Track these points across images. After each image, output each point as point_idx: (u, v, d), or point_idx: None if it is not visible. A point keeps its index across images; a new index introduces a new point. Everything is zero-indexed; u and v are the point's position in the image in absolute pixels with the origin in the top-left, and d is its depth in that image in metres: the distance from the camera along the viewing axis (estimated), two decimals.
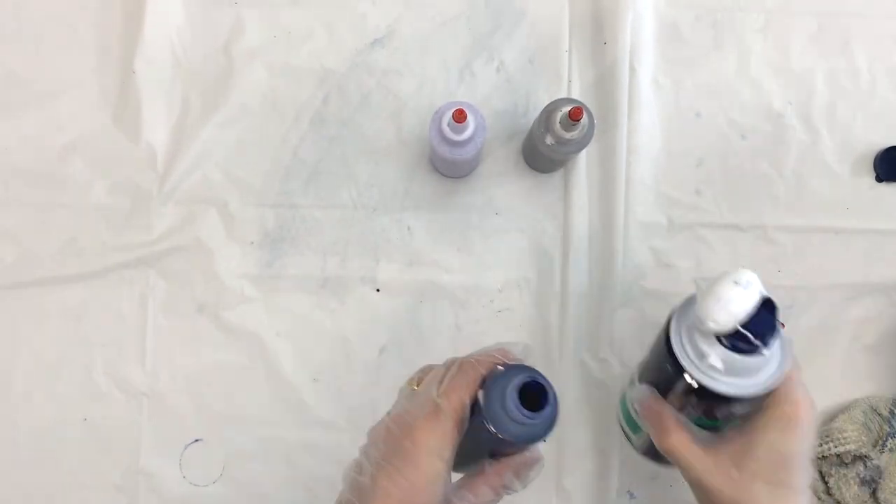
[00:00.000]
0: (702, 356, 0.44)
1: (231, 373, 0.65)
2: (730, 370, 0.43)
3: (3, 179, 0.66)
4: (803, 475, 0.44)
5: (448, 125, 0.56)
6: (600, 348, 0.65)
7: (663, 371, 0.47)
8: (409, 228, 0.66)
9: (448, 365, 0.44)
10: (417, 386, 0.45)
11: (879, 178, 0.67)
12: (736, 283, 0.41)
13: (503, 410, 0.40)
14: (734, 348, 0.42)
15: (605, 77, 0.66)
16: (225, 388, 0.65)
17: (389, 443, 0.42)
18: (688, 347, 0.45)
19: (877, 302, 0.66)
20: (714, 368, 0.43)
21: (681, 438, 0.47)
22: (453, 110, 0.55)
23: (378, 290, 0.66)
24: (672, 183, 0.66)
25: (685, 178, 0.67)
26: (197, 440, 0.64)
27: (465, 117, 0.55)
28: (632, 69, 0.66)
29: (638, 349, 0.65)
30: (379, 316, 0.66)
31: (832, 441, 0.61)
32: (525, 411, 0.40)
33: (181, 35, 0.67)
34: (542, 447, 0.44)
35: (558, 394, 0.41)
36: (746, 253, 0.66)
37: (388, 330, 0.65)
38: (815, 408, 0.45)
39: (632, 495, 0.64)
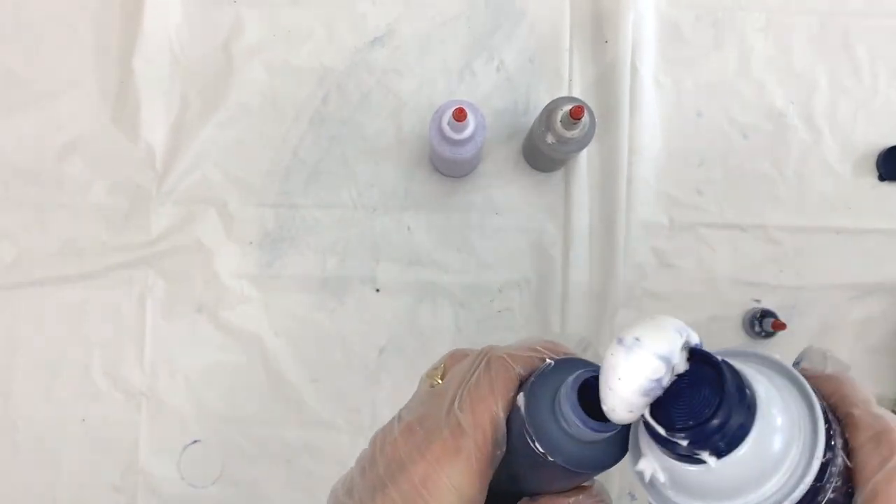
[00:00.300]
0: (636, 460, 0.28)
1: (230, 373, 0.65)
2: (678, 485, 0.26)
3: (3, 179, 0.66)
4: None
5: (448, 124, 0.56)
6: (601, 349, 0.64)
7: None
8: (409, 228, 0.66)
9: (480, 358, 0.32)
10: (441, 380, 0.33)
11: (882, 178, 0.66)
12: (619, 341, 0.26)
13: (555, 420, 0.28)
14: (670, 451, 0.25)
15: (606, 76, 0.66)
16: (224, 389, 0.65)
17: (393, 465, 0.30)
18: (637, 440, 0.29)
19: (880, 302, 0.65)
20: (656, 482, 0.27)
21: None
22: (453, 109, 0.55)
23: (378, 290, 0.66)
24: (673, 182, 0.66)
25: (686, 178, 0.66)
26: (196, 441, 0.64)
27: (465, 116, 0.55)
28: (633, 68, 0.65)
29: None
30: (379, 316, 0.65)
31: None
32: (589, 420, 0.27)
33: (180, 34, 0.67)
34: (605, 481, 0.33)
35: None
36: (748, 253, 0.66)
37: (388, 330, 0.65)
38: None
39: (633, 497, 0.63)
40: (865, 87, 0.67)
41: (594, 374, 0.28)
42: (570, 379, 0.28)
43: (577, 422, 0.27)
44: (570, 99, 0.58)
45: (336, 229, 0.66)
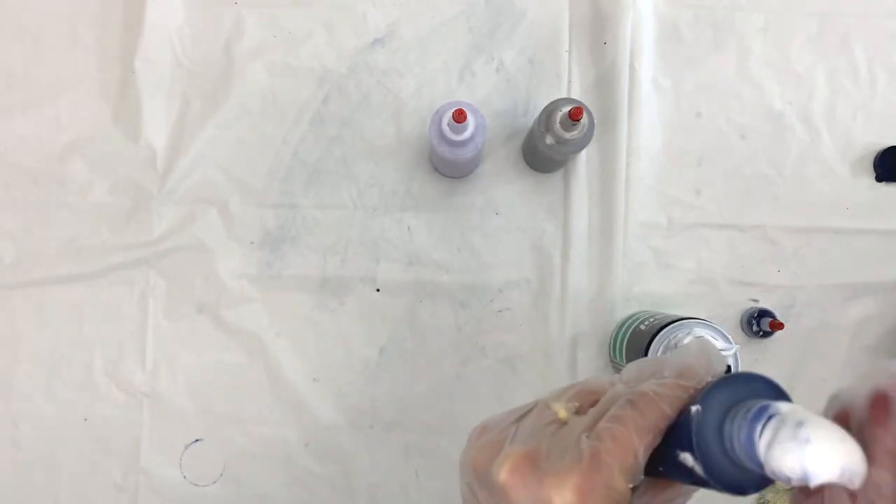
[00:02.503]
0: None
1: (231, 373, 0.65)
2: None
3: (4, 179, 0.66)
4: None
5: (448, 125, 0.56)
6: (601, 348, 0.65)
7: None
8: (409, 228, 0.66)
9: (616, 395, 0.31)
10: (577, 413, 0.31)
11: (879, 179, 0.66)
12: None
13: (724, 450, 0.27)
14: None
15: (605, 77, 0.66)
16: (225, 389, 0.65)
17: (521, 498, 0.29)
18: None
19: (877, 302, 0.66)
20: None
21: None
22: (453, 110, 0.55)
23: (378, 290, 0.66)
24: (672, 183, 0.66)
25: (685, 178, 0.67)
26: (197, 440, 0.64)
27: (464, 117, 0.55)
28: (632, 69, 0.66)
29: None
30: (379, 316, 0.66)
31: None
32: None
33: (181, 35, 0.67)
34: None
35: None
36: (746, 253, 0.66)
37: (388, 330, 0.65)
38: None
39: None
40: (863, 88, 0.67)
41: (769, 403, 0.26)
42: (755, 408, 0.26)
43: (754, 454, 0.25)
44: (569, 100, 0.58)
45: (336, 229, 0.66)
